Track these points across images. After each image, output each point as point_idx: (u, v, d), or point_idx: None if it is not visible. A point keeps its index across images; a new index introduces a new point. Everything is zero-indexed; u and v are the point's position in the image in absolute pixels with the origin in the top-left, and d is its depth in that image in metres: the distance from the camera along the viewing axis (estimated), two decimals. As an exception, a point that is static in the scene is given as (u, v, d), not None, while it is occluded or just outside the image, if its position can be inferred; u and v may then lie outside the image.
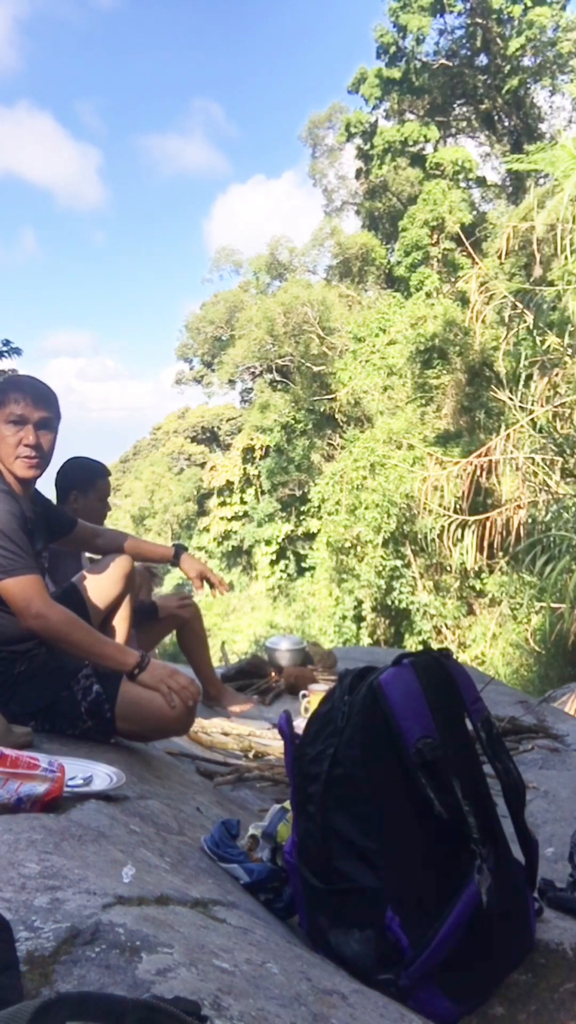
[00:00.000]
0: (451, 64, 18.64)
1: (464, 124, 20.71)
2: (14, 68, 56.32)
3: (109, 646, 1.90)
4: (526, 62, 17.95)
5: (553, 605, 7.15)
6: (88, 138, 58.12)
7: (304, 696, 3.02)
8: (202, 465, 25.73)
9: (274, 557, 19.79)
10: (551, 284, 8.23)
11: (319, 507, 16.10)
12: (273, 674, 3.74)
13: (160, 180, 57.86)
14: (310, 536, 18.43)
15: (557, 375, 7.73)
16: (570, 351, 7.56)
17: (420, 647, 11.07)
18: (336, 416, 17.65)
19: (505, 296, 8.51)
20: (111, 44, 59.02)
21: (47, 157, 59.09)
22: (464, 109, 20.36)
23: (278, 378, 21.61)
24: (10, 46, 54.55)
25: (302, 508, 18.96)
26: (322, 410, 18.00)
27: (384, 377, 15.58)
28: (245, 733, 2.75)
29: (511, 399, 8.16)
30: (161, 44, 58.26)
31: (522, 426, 7.69)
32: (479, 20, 17.85)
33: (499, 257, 11.96)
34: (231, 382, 24.95)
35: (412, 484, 10.49)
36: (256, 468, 21.12)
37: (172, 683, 1.86)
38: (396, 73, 18.66)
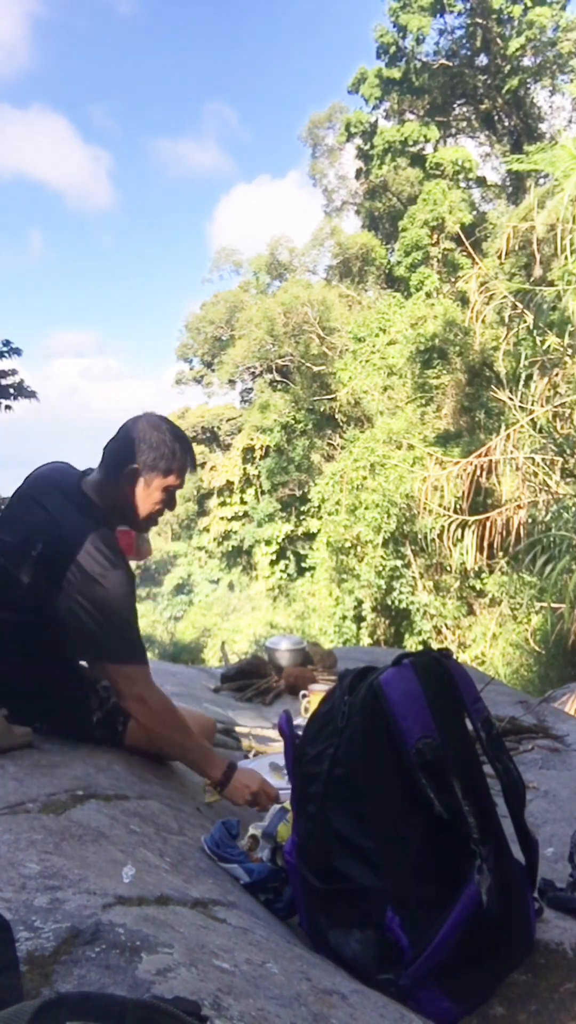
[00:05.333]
0: (451, 64, 18.63)
1: (464, 124, 20.71)
2: (29, 69, 56.72)
3: (198, 751, 1.79)
4: (526, 62, 17.96)
5: (553, 605, 7.15)
6: (100, 141, 58.61)
7: (304, 696, 3.02)
8: (202, 465, 25.73)
9: (274, 557, 19.78)
10: (551, 284, 8.22)
11: (319, 507, 16.10)
12: (273, 674, 3.74)
13: (170, 182, 58.27)
14: (310, 536, 18.42)
15: (557, 375, 7.73)
16: (570, 351, 7.55)
17: (420, 647, 11.08)
18: (336, 416, 17.64)
19: (505, 296, 8.51)
20: (126, 49, 59.48)
21: (59, 159, 59.57)
22: (464, 109, 20.36)
23: (278, 378, 21.60)
24: (26, 45, 54.87)
25: (302, 508, 18.95)
26: (322, 410, 18.00)
27: (384, 377, 15.57)
28: (245, 733, 2.75)
29: (511, 399, 8.15)
30: (175, 49, 58.74)
31: (522, 426, 7.68)
32: (479, 20, 17.85)
33: (499, 257, 11.96)
34: (231, 382, 24.95)
35: (412, 484, 10.48)
36: (256, 468, 21.12)
37: (261, 800, 1.75)
38: (396, 73, 18.66)
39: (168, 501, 1.88)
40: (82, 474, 1.89)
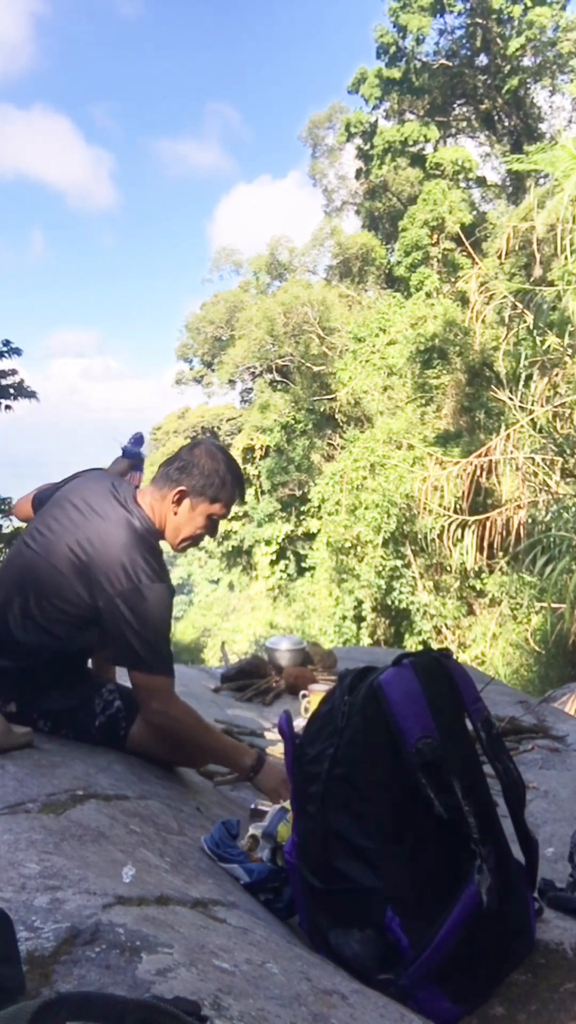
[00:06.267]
0: (451, 64, 18.63)
1: (464, 124, 20.71)
2: (32, 69, 57.09)
3: (226, 747, 1.84)
4: (526, 62, 17.96)
5: (553, 605, 7.14)
6: (102, 141, 59.04)
7: (304, 696, 3.02)
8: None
9: (274, 557, 19.78)
10: (551, 284, 8.22)
11: (319, 507, 16.10)
12: (273, 674, 3.74)
13: (171, 183, 58.69)
14: (310, 536, 18.42)
15: (557, 375, 7.73)
16: (570, 351, 7.55)
17: (420, 647, 11.08)
18: (336, 416, 17.64)
19: (505, 296, 8.51)
20: (128, 50, 59.89)
21: (60, 159, 59.91)
22: (464, 109, 20.36)
23: (278, 378, 21.60)
24: (29, 45, 55.22)
25: (302, 508, 18.95)
26: (322, 410, 18.00)
27: (384, 377, 15.58)
28: (246, 733, 2.74)
29: (511, 399, 8.15)
30: (177, 50, 59.21)
31: (522, 426, 7.68)
32: (479, 20, 17.85)
33: (499, 257, 11.96)
34: (231, 382, 24.94)
35: (412, 484, 10.48)
36: (256, 468, 21.10)
37: (284, 791, 1.79)
38: (396, 73, 18.66)
39: (210, 528, 1.92)
40: (135, 487, 1.93)
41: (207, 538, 1.96)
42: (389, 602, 13.17)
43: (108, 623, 1.73)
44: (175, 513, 1.86)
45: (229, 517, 2.20)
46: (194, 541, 1.92)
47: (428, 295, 16.25)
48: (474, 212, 18.29)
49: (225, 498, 1.89)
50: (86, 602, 1.74)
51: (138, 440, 2.46)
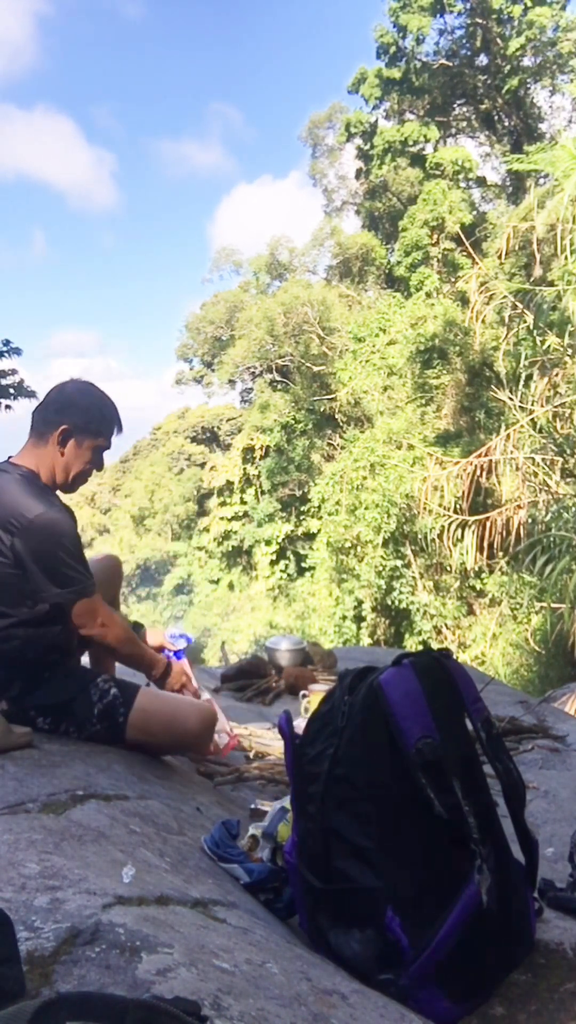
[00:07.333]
0: (451, 64, 18.62)
1: (464, 124, 20.70)
2: (35, 69, 57.14)
3: (145, 658, 2.04)
4: (526, 62, 17.94)
5: (553, 605, 7.15)
6: (104, 142, 59.06)
7: (304, 696, 3.02)
8: (202, 465, 25.73)
9: (274, 557, 19.78)
10: (551, 284, 8.22)
11: (319, 507, 16.10)
12: (273, 674, 3.74)
13: (172, 183, 58.71)
14: (310, 536, 18.42)
15: (557, 375, 7.73)
16: (570, 351, 7.55)
17: (420, 647, 11.07)
18: (336, 416, 17.64)
19: (505, 296, 8.51)
20: (131, 50, 59.93)
21: (62, 160, 59.95)
22: (464, 109, 20.35)
23: (278, 378, 21.60)
24: (31, 45, 55.22)
25: (302, 508, 18.95)
26: (322, 410, 18.00)
27: (384, 377, 15.57)
28: (245, 733, 2.74)
29: (511, 399, 8.15)
30: (179, 50, 59.30)
31: (522, 426, 7.68)
32: (479, 20, 17.84)
33: (499, 257, 11.96)
34: (231, 382, 24.94)
35: (412, 484, 10.48)
36: (256, 468, 21.11)
37: (189, 687, 2.10)
38: (396, 73, 18.64)
39: (96, 461, 1.96)
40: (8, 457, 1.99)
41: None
42: (389, 602, 13.17)
43: (29, 572, 1.78)
44: (62, 454, 1.89)
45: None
46: (83, 477, 1.95)
47: (428, 295, 16.24)
48: (474, 212, 18.28)
49: (107, 430, 1.95)
50: (14, 569, 1.78)
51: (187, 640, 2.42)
